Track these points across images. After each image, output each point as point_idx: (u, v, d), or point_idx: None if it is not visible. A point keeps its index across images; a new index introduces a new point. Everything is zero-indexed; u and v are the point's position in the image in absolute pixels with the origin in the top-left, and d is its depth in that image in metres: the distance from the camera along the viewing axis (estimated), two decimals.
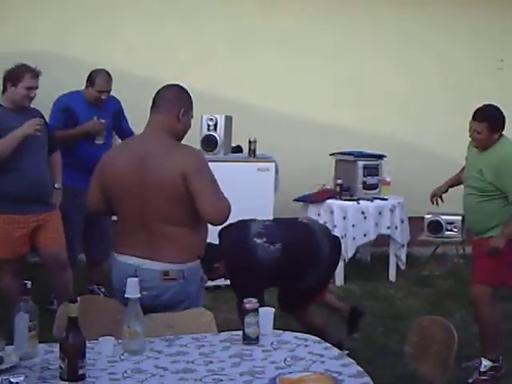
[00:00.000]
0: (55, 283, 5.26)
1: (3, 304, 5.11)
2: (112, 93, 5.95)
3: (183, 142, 3.60)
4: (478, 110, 4.69)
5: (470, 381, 4.79)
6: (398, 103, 8.03)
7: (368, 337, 5.49)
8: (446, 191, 5.26)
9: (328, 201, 6.90)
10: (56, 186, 5.24)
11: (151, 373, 2.76)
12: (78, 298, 2.74)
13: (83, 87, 5.86)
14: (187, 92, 3.57)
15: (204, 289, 3.70)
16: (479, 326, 4.88)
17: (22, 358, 2.78)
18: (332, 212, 6.81)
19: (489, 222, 4.69)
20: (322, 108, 7.84)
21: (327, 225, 6.79)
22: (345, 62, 7.88)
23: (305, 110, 7.80)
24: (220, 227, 4.16)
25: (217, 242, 4.56)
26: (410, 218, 7.11)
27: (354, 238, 6.80)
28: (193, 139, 3.92)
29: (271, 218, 5.57)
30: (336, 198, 6.91)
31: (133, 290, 2.99)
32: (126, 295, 3.01)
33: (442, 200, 5.29)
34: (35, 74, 4.97)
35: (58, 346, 2.75)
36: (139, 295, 3.00)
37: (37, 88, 5.00)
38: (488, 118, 4.63)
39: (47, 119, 5.35)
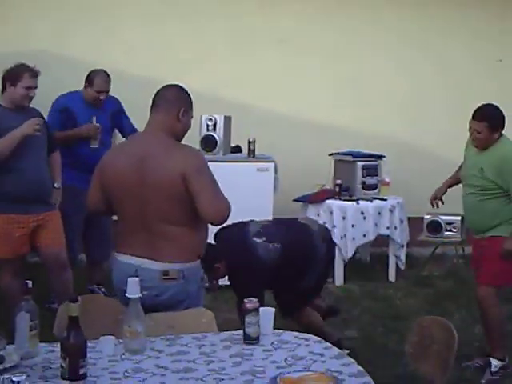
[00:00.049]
0: (55, 283, 5.27)
1: (3, 304, 5.11)
2: (112, 93, 5.95)
3: (183, 141, 3.60)
4: (478, 109, 4.69)
5: (483, 381, 4.79)
6: (397, 103, 8.03)
7: (367, 337, 5.50)
8: (445, 192, 5.26)
9: (327, 201, 6.90)
10: (56, 185, 5.25)
11: (152, 372, 2.76)
12: (79, 298, 2.75)
13: (82, 87, 5.86)
14: (187, 92, 3.57)
15: (204, 289, 3.69)
16: (487, 327, 4.87)
17: (23, 358, 2.78)
18: (331, 212, 6.81)
19: (490, 221, 4.69)
20: (322, 108, 7.84)
21: (327, 225, 6.81)
22: (345, 62, 7.88)
23: (304, 110, 7.80)
24: (217, 228, 4.16)
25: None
26: (409, 219, 7.12)
27: (353, 239, 6.80)
28: (192, 139, 3.92)
29: (270, 218, 5.57)
30: (335, 199, 6.91)
31: (134, 289, 3.00)
32: (126, 295, 3.01)
33: (442, 202, 5.29)
34: (34, 74, 4.97)
35: (58, 345, 2.76)
36: (140, 295, 3.00)
37: (36, 88, 5.00)
38: (488, 118, 4.64)
39: (46, 119, 5.35)
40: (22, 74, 4.93)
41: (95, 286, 6.10)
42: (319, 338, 3.19)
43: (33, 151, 4.96)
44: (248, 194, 6.08)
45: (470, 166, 4.82)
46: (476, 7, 8.04)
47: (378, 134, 7.83)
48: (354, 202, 6.86)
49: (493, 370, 4.81)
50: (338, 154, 7.18)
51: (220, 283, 4.86)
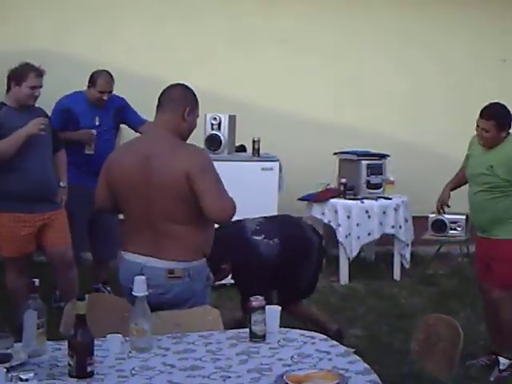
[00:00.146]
0: (61, 282, 5.28)
1: (9, 302, 5.13)
2: (114, 92, 5.95)
3: (187, 141, 3.61)
4: (486, 108, 4.67)
5: (491, 379, 4.79)
6: (398, 103, 8.02)
7: (372, 335, 5.51)
8: (449, 197, 5.23)
9: (332, 200, 6.91)
10: (61, 184, 5.25)
11: (159, 370, 2.77)
12: (86, 296, 2.76)
13: (85, 87, 5.87)
14: (192, 91, 3.58)
15: (210, 287, 3.70)
16: (498, 327, 4.85)
17: (30, 356, 2.79)
18: (336, 211, 6.82)
19: (500, 219, 4.66)
20: (326, 107, 7.84)
21: (331, 224, 6.85)
22: (345, 62, 7.87)
23: (308, 109, 7.80)
24: None
25: None
26: (413, 217, 7.12)
27: (358, 237, 6.81)
28: (197, 138, 3.93)
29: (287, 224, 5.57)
30: (340, 197, 6.92)
31: (140, 287, 3.00)
32: (133, 293, 3.02)
33: (448, 206, 5.25)
34: (39, 73, 4.98)
35: (65, 343, 2.77)
36: (147, 293, 3.01)
37: (41, 87, 5.01)
38: (495, 116, 4.62)
39: None
40: (27, 73, 4.93)
41: (101, 285, 6.10)
42: (325, 336, 3.20)
43: (38, 150, 4.96)
44: (253, 193, 6.09)
45: (477, 165, 4.79)
46: (477, 7, 8.03)
47: (381, 133, 7.83)
48: (359, 201, 6.86)
49: (501, 368, 4.81)
50: (343, 153, 7.19)
51: (225, 281, 4.88)
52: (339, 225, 6.77)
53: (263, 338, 3.08)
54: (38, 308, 2.84)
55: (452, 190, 5.17)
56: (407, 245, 7.02)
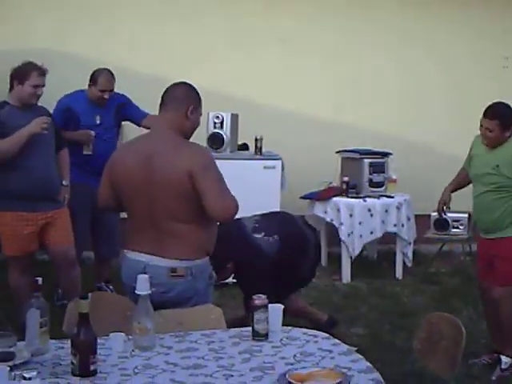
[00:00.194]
0: (64, 280, 5.29)
1: (12, 301, 5.14)
2: (115, 91, 5.96)
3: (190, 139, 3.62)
4: (489, 107, 4.66)
5: (493, 378, 4.78)
6: (401, 102, 8.02)
7: (375, 334, 5.51)
8: (451, 199, 5.21)
9: (334, 198, 6.91)
10: (64, 183, 5.27)
11: (162, 368, 2.77)
12: (89, 295, 2.76)
13: (86, 86, 5.87)
14: (196, 90, 3.58)
15: (212, 286, 3.70)
16: (499, 326, 4.84)
17: (33, 354, 2.80)
18: (338, 209, 6.82)
19: (505, 219, 4.64)
20: (327, 106, 7.84)
21: (334, 222, 6.85)
22: (346, 61, 7.87)
23: (310, 108, 7.80)
24: None
25: None
26: (416, 216, 7.12)
27: (360, 236, 6.81)
28: (199, 137, 3.93)
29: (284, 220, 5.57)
30: (342, 196, 6.92)
31: (143, 286, 3.01)
32: (136, 291, 3.02)
33: (449, 208, 5.24)
34: (42, 72, 4.99)
35: (68, 341, 2.78)
36: (150, 291, 3.01)
37: (43, 86, 5.02)
38: (499, 116, 4.61)
39: None
40: (29, 72, 4.94)
41: (103, 284, 6.11)
42: (327, 335, 3.20)
43: (40, 149, 4.97)
44: (255, 192, 6.09)
45: (482, 165, 4.76)
46: (478, 7, 8.02)
47: (383, 132, 7.82)
48: (361, 200, 6.86)
49: (503, 366, 4.81)
50: (345, 151, 7.19)
51: (226, 280, 4.89)
52: (341, 223, 6.77)
53: (266, 336, 3.09)
54: (40, 307, 2.85)
55: (453, 191, 5.15)
56: (409, 243, 7.02)
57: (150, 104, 5.73)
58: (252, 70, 7.60)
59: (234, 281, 5.04)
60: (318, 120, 7.84)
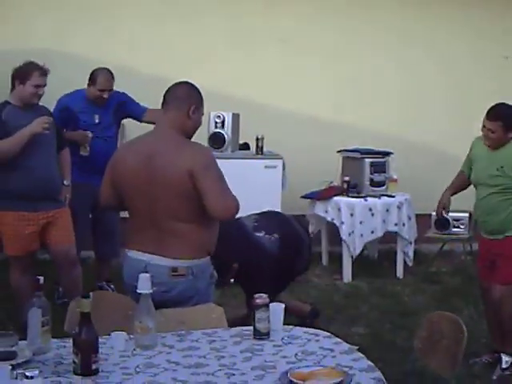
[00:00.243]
0: (65, 280, 5.30)
1: (13, 301, 5.14)
2: (115, 89, 5.96)
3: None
4: (492, 108, 4.64)
5: (494, 377, 4.76)
6: (400, 102, 8.02)
7: (375, 333, 5.51)
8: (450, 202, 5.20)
9: (335, 198, 6.91)
10: (65, 182, 5.27)
11: (163, 367, 2.78)
12: (91, 294, 2.77)
13: (86, 85, 5.87)
14: (197, 89, 3.58)
15: (214, 285, 3.71)
16: (500, 324, 4.84)
17: (35, 353, 2.81)
18: (339, 209, 6.82)
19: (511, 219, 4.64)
20: (328, 106, 7.85)
21: (335, 221, 6.86)
22: (346, 61, 7.87)
23: (311, 107, 7.81)
24: None
25: None
26: (417, 215, 7.12)
27: (361, 235, 6.81)
28: (200, 136, 3.94)
29: (280, 218, 5.58)
30: (343, 195, 6.92)
31: (145, 285, 3.02)
32: (138, 290, 3.03)
33: (448, 211, 5.22)
34: (43, 72, 4.99)
35: (69, 340, 2.79)
36: (151, 290, 3.02)
37: (45, 86, 5.02)
38: (502, 117, 4.59)
39: None
40: (31, 72, 4.94)
41: (104, 283, 6.12)
42: (329, 334, 3.21)
43: (41, 149, 4.97)
44: (256, 191, 6.10)
45: (485, 167, 4.74)
46: (479, 6, 8.02)
47: (383, 131, 7.83)
48: (362, 199, 6.86)
49: (504, 366, 4.79)
50: (346, 150, 7.19)
51: None
52: (342, 223, 6.77)
53: (267, 335, 3.09)
54: (42, 306, 2.86)
55: (452, 195, 5.11)
56: (410, 243, 7.02)
57: (151, 104, 5.77)
58: (252, 70, 7.61)
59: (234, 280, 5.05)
60: (319, 120, 7.84)
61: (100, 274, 6.16)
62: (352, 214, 6.80)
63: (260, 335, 3.08)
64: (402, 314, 5.91)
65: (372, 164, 7.00)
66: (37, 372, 2.47)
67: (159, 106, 3.61)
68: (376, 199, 6.90)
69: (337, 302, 6.26)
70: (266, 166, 6.59)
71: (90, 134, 5.73)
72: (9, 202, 4.98)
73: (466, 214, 6.81)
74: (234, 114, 6.57)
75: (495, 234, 4.75)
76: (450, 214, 6.75)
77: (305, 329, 3.25)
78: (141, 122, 5.97)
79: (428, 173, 7.82)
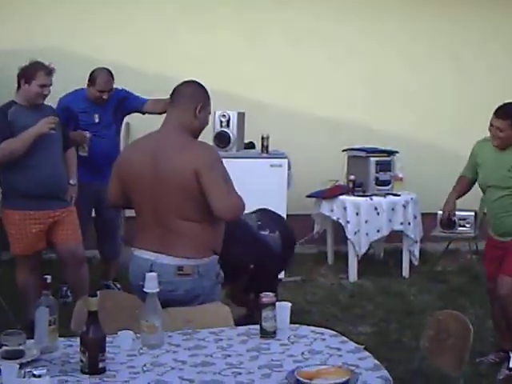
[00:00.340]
0: (72, 279, 5.30)
1: (20, 300, 5.15)
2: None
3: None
4: (500, 107, 4.62)
5: (500, 377, 4.73)
6: (410, 101, 8.02)
7: (381, 332, 5.51)
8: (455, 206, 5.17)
9: (341, 197, 6.91)
10: (71, 182, 5.27)
11: (170, 366, 2.78)
12: (98, 293, 2.78)
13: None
14: (204, 88, 3.58)
15: (220, 284, 3.71)
16: (507, 323, 4.84)
17: (42, 352, 2.81)
18: (345, 208, 6.82)
19: None
20: (335, 105, 7.84)
21: (340, 221, 6.86)
22: (357, 61, 7.87)
23: (317, 106, 7.80)
24: None
25: None
26: (422, 214, 7.11)
27: (367, 234, 6.81)
28: (205, 135, 3.94)
29: (274, 213, 5.55)
30: (349, 194, 6.92)
31: (151, 284, 3.02)
32: (144, 289, 3.03)
33: (454, 214, 5.20)
34: (49, 72, 4.99)
35: (76, 339, 2.79)
36: (158, 289, 3.02)
37: (50, 85, 5.02)
38: (511, 115, 4.57)
39: None
40: (36, 71, 4.95)
41: (110, 282, 6.12)
42: (335, 332, 3.21)
43: (48, 148, 4.98)
44: (261, 190, 6.08)
45: (495, 169, 4.70)
46: (488, 8, 8.00)
47: (390, 130, 7.83)
48: (368, 198, 6.86)
49: (511, 366, 4.77)
50: (352, 149, 7.19)
51: None
52: (348, 222, 6.77)
53: (274, 334, 3.10)
54: (50, 305, 2.86)
55: (457, 198, 5.10)
56: (416, 241, 7.01)
57: None
58: (262, 68, 7.61)
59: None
60: (324, 119, 7.84)
61: (106, 273, 6.17)
62: (357, 213, 6.79)
63: (266, 334, 3.08)
64: (408, 313, 5.91)
65: (377, 163, 6.99)
66: (44, 371, 2.49)
67: None
68: (381, 198, 6.89)
69: (342, 301, 6.26)
70: (271, 165, 6.58)
71: (88, 135, 5.71)
72: (15, 202, 4.99)
73: (472, 213, 6.80)
74: (239, 113, 6.56)
75: (506, 237, 4.72)
76: (456, 213, 6.77)
77: (311, 328, 3.25)
78: (143, 113, 5.96)
79: (434, 171, 7.81)
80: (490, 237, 4.89)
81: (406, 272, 7.02)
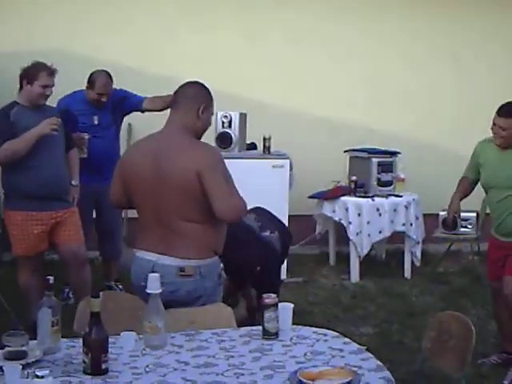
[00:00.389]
0: (74, 279, 5.29)
1: (23, 301, 5.15)
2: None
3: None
4: (503, 106, 4.61)
5: (505, 382, 4.68)
6: (411, 101, 8.02)
7: (383, 333, 5.51)
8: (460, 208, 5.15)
9: (342, 198, 6.90)
10: (73, 183, 5.27)
11: (173, 367, 2.79)
12: (100, 294, 2.78)
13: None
14: (207, 89, 3.58)
15: (222, 285, 3.71)
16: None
17: (45, 353, 2.82)
18: (347, 209, 6.82)
19: None
20: (336, 106, 7.84)
21: (342, 222, 6.86)
22: (358, 61, 7.87)
23: (319, 107, 7.81)
24: None
25: None
26: (424, 215, 7.11)
27: (369, 235, 6.80)
28: (207, 136, 3.94)
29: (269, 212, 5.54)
30: (351, 195, 6.91)
31: (154, 285, 3.02)
32: (147, 290, 3.03)
33: (459, 216, 5.19)
34: (51, 72, 4.99)
35: (79, 340, 2.80)
36: (160, 290, 3.02)
37: (53, 86, 5.02)
38: None
39: None
40: (38, 72, 4.95)
41: (113, 283, 6.13)
42: (337, 333, 3.21)
43: (50, 149, 4.98)
44: (263, 191, 6.06)
45: (498, 169, 4.69)
46: (494, 6, 8.01)
47: (392, 131, 7.83)
48: (370, 199, 6.85)
49: None
50: (353, 150, 7.18)
51: None
52: (350, 222, 6.77)
53: (276, 335, 3.10)
54: (52, 306, 2.87)
55: (460, 200, 5.08)
56: (418, 243, 7.00)
57: None
58: (258, 69, 7.61)
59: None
60: (326, 119, 7.84)
61: (108, 274, 6.18)
62: (359, 214, 6.79)
63: (269, 335, 3.09)
64: (410, 314, 5.91)
65: (379, 164, 6.98)
66: (47, 371, 2.49)
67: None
68: (383, 199, 6.89)
69: (344, 302, 6.26)
70: (273, 166, 6.58)
71: (86, 136, 5.69)
72: (17, 202, 5.00)
73: (474, 214, 6.81)
74: (241, 114, 6.56)
75: (510, 237, 4.70)
76: None
77: (314, 328, 3.25)
78: (143, 112, 5.95)
79: (436, 172, 7.81)
80: (493, 237, 4.88)
81: (407, 273, 7.02)
